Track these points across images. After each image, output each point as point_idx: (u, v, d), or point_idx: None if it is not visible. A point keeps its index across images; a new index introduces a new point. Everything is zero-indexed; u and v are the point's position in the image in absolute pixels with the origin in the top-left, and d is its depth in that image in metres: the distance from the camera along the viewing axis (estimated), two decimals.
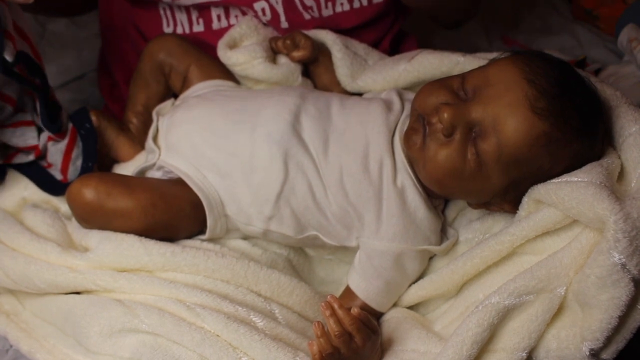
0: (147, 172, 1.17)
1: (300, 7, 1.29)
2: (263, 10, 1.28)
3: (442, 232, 1.11)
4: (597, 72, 1.66)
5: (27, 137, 1.15)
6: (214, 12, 1.32)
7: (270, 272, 1.07)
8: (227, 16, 1.31)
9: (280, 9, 1.29)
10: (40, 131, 1.16)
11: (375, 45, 1.35)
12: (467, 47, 1.73)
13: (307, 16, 1.30)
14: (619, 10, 1.79)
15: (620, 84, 1.57)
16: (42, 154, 1.17)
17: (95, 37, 1.68)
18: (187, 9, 1.32)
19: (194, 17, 1.32)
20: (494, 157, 0.98)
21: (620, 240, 0.86)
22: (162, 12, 1.34)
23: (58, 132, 1.14)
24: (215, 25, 1.32)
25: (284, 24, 1.29)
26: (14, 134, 1.14)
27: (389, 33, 1.39)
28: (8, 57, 1.02)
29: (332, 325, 0.95)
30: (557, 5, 1.96)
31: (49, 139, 1.16)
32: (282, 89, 1.19)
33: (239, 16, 1.31)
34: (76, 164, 1.17)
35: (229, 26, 1.30)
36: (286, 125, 1.08)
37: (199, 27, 1.33)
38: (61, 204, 1.18)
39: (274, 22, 1.29)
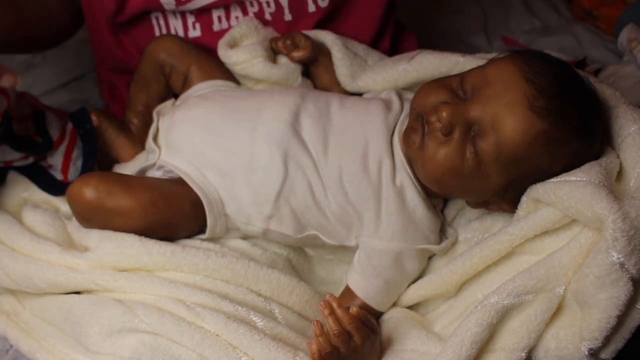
0: (147, 171, 1.17)
1: None
2: (267, 3, 1.28)
3: (441, 232, 1.12)
4: (597, 72, 1.66)
5: (14, 154, 1.12)
6: (215, 14, 1.31)
7: (270, 271, 1.07)
8: (228, 18, 1.31)
9: (284, 1, 1.29)
10: None
11: (374, 42, 1.35)
12: (467, 47, 1.74)
13: (311, 8, 1.29)
14: (619, 10, 1.79)
15: (620, 84, 1.57)
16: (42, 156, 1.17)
17: None
18: (182, 15, 1.31)
19: (189, 23, 1.31)
20: (492, 155, 0.98)
21: (618, 239, 0.85)
22: (154, 21, 1.32)
23: (46, 150, 1.12)
24: (215, 27, 1.32)
25: (288, 17, 1.30)
26: (4, 152, 1.11)
27: (388, 27, 1.39)
28: None
29: (331, 324, 0.95)
30: (557, 5, 1.96)
31: None
32: (282, 89, 1.19)
33: (239, 17, 1.31)
34: (76, 164, 1.17)
35: (230, 27, 1.30)
36: (286, 125, 1.08)
37: (195, 32, 1.32)
38: (61, 204, 1.18)
39: (278, 14, 1.29)
